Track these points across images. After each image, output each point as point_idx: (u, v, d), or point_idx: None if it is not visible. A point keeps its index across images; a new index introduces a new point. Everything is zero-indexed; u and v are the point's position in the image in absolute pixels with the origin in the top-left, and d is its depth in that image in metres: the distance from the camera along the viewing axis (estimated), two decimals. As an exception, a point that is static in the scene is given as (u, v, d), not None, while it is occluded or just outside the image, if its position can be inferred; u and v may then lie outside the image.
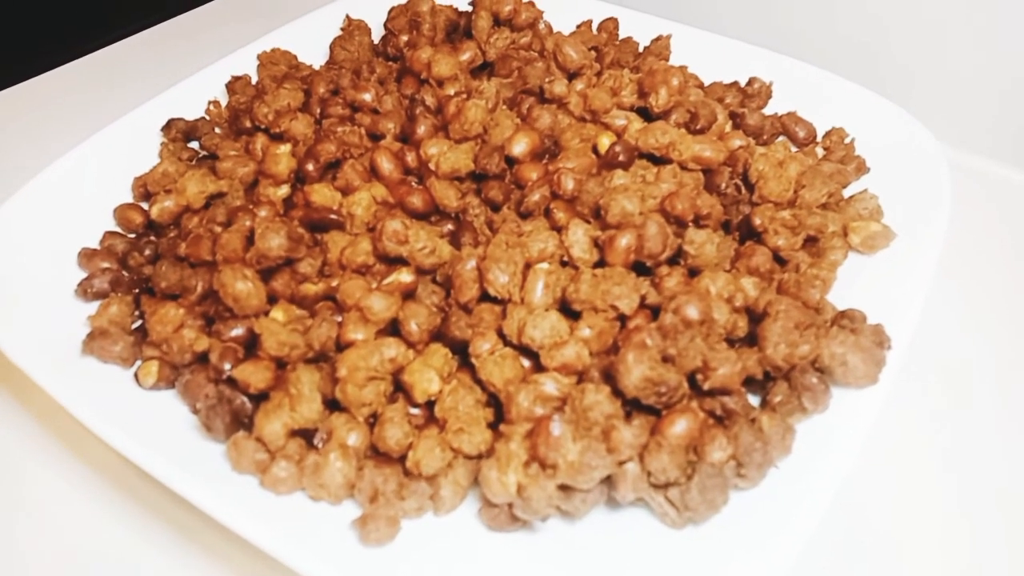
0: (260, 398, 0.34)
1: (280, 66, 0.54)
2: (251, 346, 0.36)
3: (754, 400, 0.35)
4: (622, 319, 0.35)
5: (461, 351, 0.35)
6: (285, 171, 0.43)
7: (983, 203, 0.54)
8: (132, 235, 0.44)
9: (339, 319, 0.36)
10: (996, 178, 0.57)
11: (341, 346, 0.35)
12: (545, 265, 0.36)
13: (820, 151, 0.48)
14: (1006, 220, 0.54)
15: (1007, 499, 0.39)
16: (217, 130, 0.50)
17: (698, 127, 0.45)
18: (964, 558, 0.37)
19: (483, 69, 0.52)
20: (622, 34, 0.57)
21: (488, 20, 0.52)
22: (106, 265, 0.42)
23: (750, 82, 0.51)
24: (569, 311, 0.35)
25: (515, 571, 0.30)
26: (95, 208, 0.45)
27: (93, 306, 0.40)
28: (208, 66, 0.54)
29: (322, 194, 0.42)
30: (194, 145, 0.50)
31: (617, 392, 0.31)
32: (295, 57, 0.55)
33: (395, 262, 0.38)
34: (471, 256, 0.36)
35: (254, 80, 0.53)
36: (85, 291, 0.40)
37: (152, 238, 0.44)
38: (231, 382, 0.34)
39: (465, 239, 0.39)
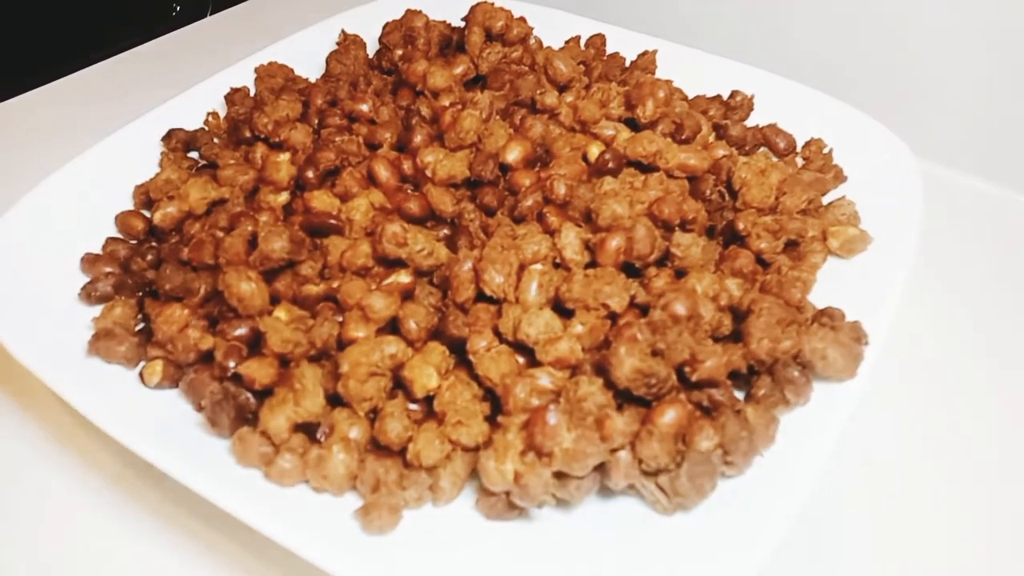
0: (263, 394, 0.35)
1: (277, 79, 0.55)
2: (254, 345, 0.37)
3: (739, 395, 0.37)
4: (613, 317, 0.36)
5: (458, 349, 0.36)
6: (285, 178, 0.45)
7: (954, 211, 0.56)
8: (133, 241, 0.45)
9: (340, 319, 0.37)
10: (966, 188, 0.60)
11: (343, 344, 0.36)
12: (539, 266, 0.38)
13: (800, 161, 0.50)
14: (975, 227, 0.57)
15: (962, 479, 0.41)
16: (216, 140, 0.51)
17: (683, 137, 0.47)
18: (941, 536, 0.39)
19: (476, 82, 0.54)
20: (609, 50, 0.59)
21: (481, 35, 0.54)
22: (109, 269, 0.43)
23: (732, 95, 0.53)
24: (562, 310, 0.37)
25: (511, 558, 0.32)
26: (97, 215, 0.46)
27: (94, 311, 0.41)
28: (206, 79, 0.55)
29: (322, 200, 0.43)
30: (194, 155, 0.51)
31: (609, 384, 0.33)
32: (292, 70, 0.57)
33: (394, 264, 0.39)
34: (468, 258, 0.38)
35: (252, 92, 0.55)
36: (89, 294, 0.41)
37: (153, 244, 0.45)
38: (235, 379, 0.36)
39: (461, 243, 0.41)
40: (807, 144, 0.50)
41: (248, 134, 0.49)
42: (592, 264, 0.39)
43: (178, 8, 0.84)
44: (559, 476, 0.32)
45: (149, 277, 0.42)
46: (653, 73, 0.56)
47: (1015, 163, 0.59)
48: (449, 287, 0.38)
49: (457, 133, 0.45)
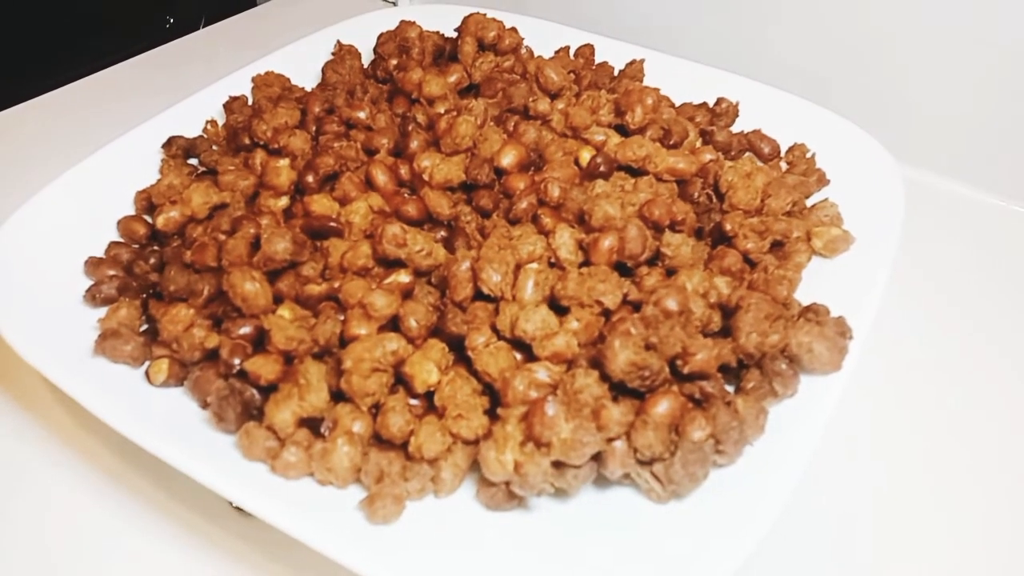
0: (268, 390, 0.36)
1: (274, 88, 0.56)
2: (258, 344, 0.38)
3: (729, 388, 0.38)
4: (607, 313, 0.38)
5: (457, 346, 0.38)
6: (286, 183, 0.46)
7: (933, 214, 0.58)
8: (136, 245, 0.46)
9: (342, 317, 0.38)
10: (945, 192, 0.62)
11: (345, 341, 0.37)
12: (535, 265, 0.39)
13: (784, 165, 0.51)
14: (954, 229, 0.59)
15: (943, 467, 0.43)
16: (215, 147, 0.52)
17: (671, 142, 0.48)
18: (926, 520, 0.40)
19: (469, 91, 0.55)
20: (597, 60, 0.60)
21: (473, 45, 0.55)
22: (112, 272, 0.43)
23: (718, 102, 0.55)
24: (557, 307, 0.38)
25: (510, 546, 0.33)
26: (99, 220, 0.47)
27: (98, 313, 0.41)
28: (205, 88, 0.56)
29: (321, 204, 0.44)
30: (193, 161, 0.52)
31: (604, 378, 0.34)
32: (288, 80, 0.58)
33: (393, 265, 0.40)
34: (466, 258, 0.39)
35: (250, 101, 0.56)
36: (94, 296, 0.42)
37: (155, 247, 0.46)
38: (240, 376, 0.36)
39: (458, 244, 0.42)
40: (791, 149, 0.52)
41: (247, 141, 0.50)
42: (586, 263, 0.40)
43: (171, 21, 0.86)
44: (557, 465, 0.33)
45: (152, 279, 0.43)
46: (641, 81, 0.58)
47: (993, 168, 0.61)
48: (447, 286, 0.39)
49: (453, 138, 0.46)
